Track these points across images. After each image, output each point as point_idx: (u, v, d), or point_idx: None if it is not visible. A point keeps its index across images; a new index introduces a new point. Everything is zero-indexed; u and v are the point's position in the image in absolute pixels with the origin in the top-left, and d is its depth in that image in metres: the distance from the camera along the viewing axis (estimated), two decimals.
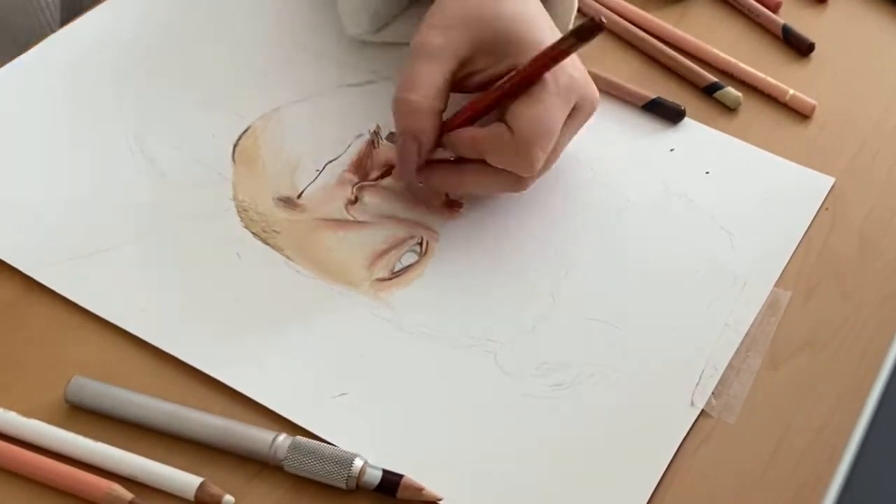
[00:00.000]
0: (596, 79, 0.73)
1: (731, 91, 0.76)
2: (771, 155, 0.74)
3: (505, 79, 0.64)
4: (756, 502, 0.58)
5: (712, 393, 0.61)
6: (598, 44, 0.79)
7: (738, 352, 0.63)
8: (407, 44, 0.67)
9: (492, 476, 0.58)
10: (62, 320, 0.62)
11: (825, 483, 0.57)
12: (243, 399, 0.59)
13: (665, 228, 0.69)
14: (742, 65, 0.78)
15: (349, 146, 0.71)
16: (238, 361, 0.61)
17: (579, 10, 0.75)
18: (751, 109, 0.76)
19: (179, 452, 0.57)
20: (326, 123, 0.73)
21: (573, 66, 0.65)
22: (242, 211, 0.67)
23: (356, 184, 0.70)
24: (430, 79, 0.64)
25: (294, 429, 0.58)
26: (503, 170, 0.64)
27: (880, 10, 0.84)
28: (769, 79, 0.77)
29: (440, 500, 0.56)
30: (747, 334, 0.64)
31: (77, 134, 0.70)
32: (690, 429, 0.60)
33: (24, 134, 0.70)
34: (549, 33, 0.65)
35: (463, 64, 0.65)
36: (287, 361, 0.61)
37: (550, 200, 0.70)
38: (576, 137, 0.72)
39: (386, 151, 0.71)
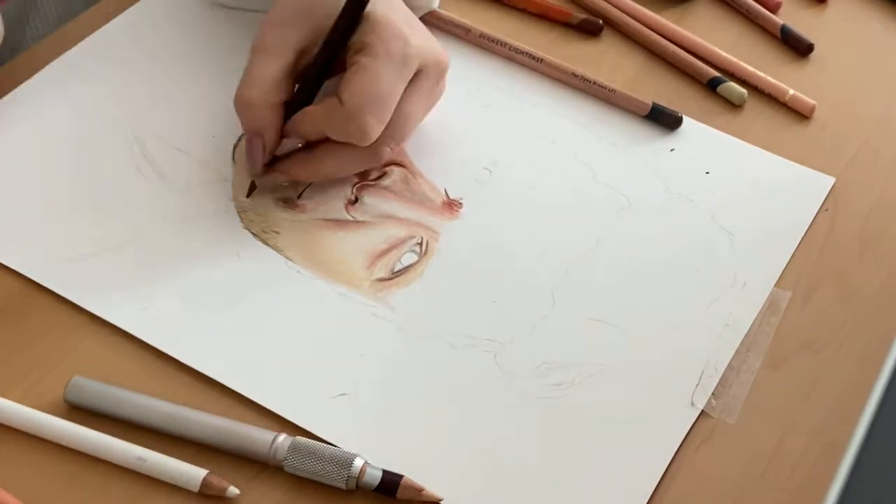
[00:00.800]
0: (595, 88, 0.73)
1: (735, 86, 0.76)
2: (771, 155, 0.74)
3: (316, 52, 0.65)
4: (756, 502, 0.58)
5: (712, 393, 0.61)
6: (600, 41, 0.80)
7: (738, 352, 0.63)
8: (262, 11, 0.68)
9: (492, 476, 0.58)
10: (62, 320, 0.62)
11: (825, 483, 0.57)
12: (243, 399, 0.59)
13: (665, 228, 0.69)
14: (743, 63, 0.78)
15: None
16: (238, 361, 0.61)
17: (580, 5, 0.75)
18: (751, 109, 0.76)
19: (179, 452, 0.57)
20: None
21: (413, 33, 0.66)
22: (242, 211, 0.67)
23: (356, 184, 0.70)
24: (265, 73, 0.65)
25: (294, 429, 0.58)
26: (349, 144, 0.64)
27: (880, 10, 0.84)
28: (769, 78, 0.77)
29: (440, 500, 0.56)
30: (747, 334, 0.64)
31: (77, 134, 0.70)
32: (690, 429, 0.60)
33: (25, 134, 0.70)
34: (382, 7, 0.65)
35: (302, 54, 0.66)
36: (287, 361, 0.61)
37: (550, 200, 0.70)
38: (576, 138, 0.73)
39: None
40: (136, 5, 0.78)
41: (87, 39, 0.75)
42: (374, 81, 0.63)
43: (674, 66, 0.79)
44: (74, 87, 0.73)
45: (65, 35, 0.76)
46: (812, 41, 0.80)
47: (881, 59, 0.81)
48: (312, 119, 0.65)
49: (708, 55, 0.79)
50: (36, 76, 0.73)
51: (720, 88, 0.77)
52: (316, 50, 0.66)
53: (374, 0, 0.64)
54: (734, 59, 0.78)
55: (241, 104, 0.65)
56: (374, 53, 0.64)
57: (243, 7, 0.77)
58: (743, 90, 0.76)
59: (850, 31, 0.83)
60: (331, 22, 0.65)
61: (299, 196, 0.69)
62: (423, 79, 0.66)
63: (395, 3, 0.67)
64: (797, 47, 0.80)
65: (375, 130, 0.63)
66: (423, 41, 0.66)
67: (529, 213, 0.69)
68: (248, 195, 0.68)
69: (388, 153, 0.66)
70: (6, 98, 0.71)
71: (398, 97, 0.64)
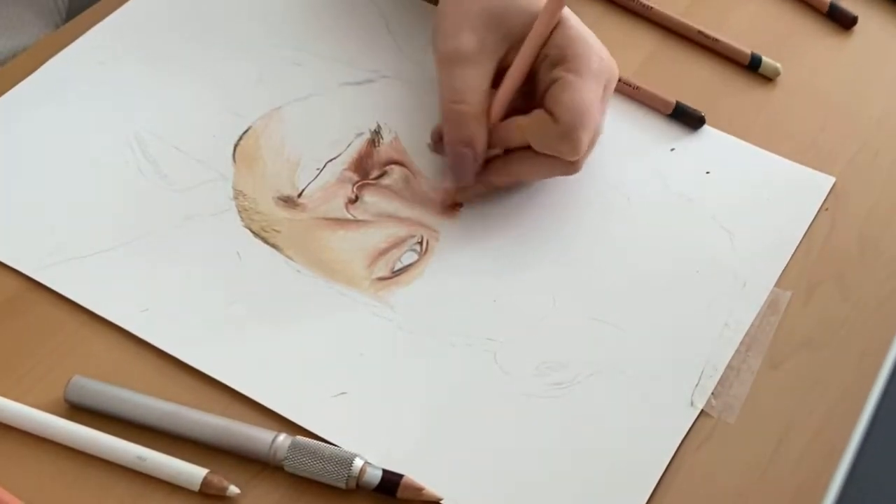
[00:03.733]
0: (619, 85, 0.74)
1: (770, 62, 0.78)
2: (771, 155, 0.74)
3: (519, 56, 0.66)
4: (756, 502, 0.58)
5: (712, 393, 0.61)
6: (611, 25, 0.80)
7: (738, 352, 0.63)
8: None
9: (492, 476, 0.58)
10: (62, 320, 0.62)
11: (825, 483, 0.57)
12: (243, 399, 0.59)
13: (665, 228, 0.69)
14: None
15: (349, 145, 0.72)
16: (238, 361, 0.61)
17: None
18: (751, 107, 0.76)
19: (179, 452, 0.57)
20: (327, 122, 0.73)
21: (600, 48, 0.67)
22: (243, 210, 0.68)
23: (356, 182, 0.70)
24: (473, 85, 0.66)
25: (294, 428, 0.58)
26: (551, 156, 0.65)
27: (880, 10, 0.84)
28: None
29: (440, 500, 0.56)
30: (747, 334, 0.64)
31: (78, 134, 0.70)
32: (690, 429, 0.60)
33: (25, 134, 0.70)
34: (569, 13, 0.67)
35: (500, 62, 0.67)
36: (287, 361, 0.61)
37: (550, 200, 0.70)
38: None
39: (386, 150, 0.71)
40: (134, 2, 0.78)
41: (86, 36, 0.75)
42: (584, 99, 0.64)
43: (693, 46, 0.80)
44: (74, 86, 0.73)
45: (62, 34, 0.76)
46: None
47: (881, 58, 0.81)
48: (520, 130, 0.66)
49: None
50: (35, 74, 0.73)
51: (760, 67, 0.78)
52: (512, 57, 0.66)
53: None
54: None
55: (453, 118, 0.66)
56: (577, 69, 0.64)
57: None
58: (777, 63, 0.78)
59: (850, 31, 0.83)
60: (521, 25, 0.66)
61: (300, 195, 0.69)
62: (608, 91, 0.68)
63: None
64: (842, 20, 0.82)
65: (585, 146, 0.65)
66: (605, 53, 0.68)
67: (529, 212, 0.69)
68: (453, 208, 0.68)
69: (581, 166, 0.67)
70: (5, 97, 0.71)
71: (598, 112, 0.66)
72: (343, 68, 0.76)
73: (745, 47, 0.79)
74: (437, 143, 0.69)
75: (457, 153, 0.66)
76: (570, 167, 0.67)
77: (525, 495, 0.57)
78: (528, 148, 0.66)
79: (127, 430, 0.57)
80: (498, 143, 0.67)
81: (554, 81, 0.65)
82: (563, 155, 0.65)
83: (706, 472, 0.58)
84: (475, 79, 0.66)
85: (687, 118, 0.74)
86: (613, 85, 0.68)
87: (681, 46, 0.80)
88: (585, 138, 0.64)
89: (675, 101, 0.74)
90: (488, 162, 0.68)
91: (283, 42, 0.77)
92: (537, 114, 0.65)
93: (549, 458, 0.58)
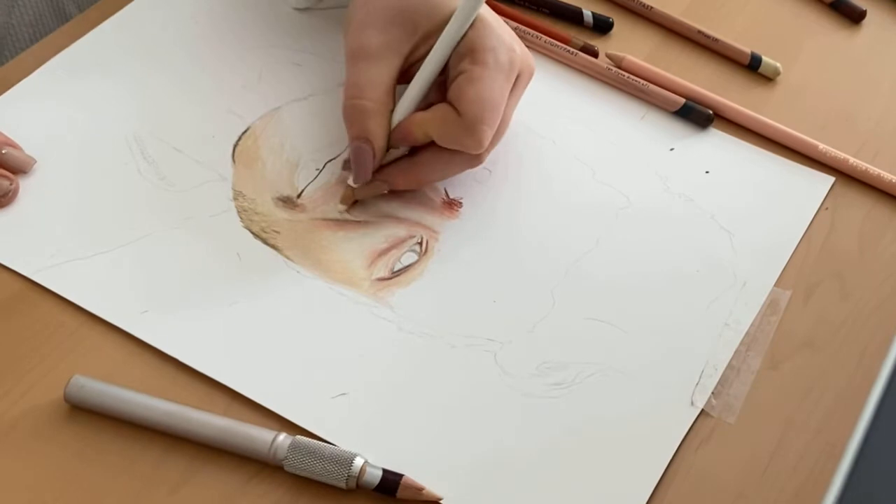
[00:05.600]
0: (628, 85, 0.74)
1: (770, 61, 0.78)
2: (771, 155, 0.74)
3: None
4: (756, 502, 0.58)
5: (712, 393, 0.61)
6: (616, 21, 0.81)
7: (738, 352, 0.63)
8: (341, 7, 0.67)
9: (492, 476, 0.58)
10: (62, 320, 0.62)
11: (825, 483, 0.57)
12: (243, 399, 0.59)
13: (665, 228, 0.69)
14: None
15: (349, 145, 0.71)
16: (238, 361, 0.61)
17: None
18: (750, 106, 0.76)
19: (179, 452, 0.57)
20: (326, 123, 0.73)
21: (512, 39, 0.66)
22: (242, 211, 0.67)
23: None
24: (375, 81, 0.65)
25: (294, 428, 0.58)
26: (456, 151, 0.65)
27: (881, 10, 0.84)
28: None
29: (440, 499, 0.56)
30: (747, 334, 0.64)
31: (77, 134, 0.70)
32: (690, 429, 0.60)
33: (25, 135, 0.70)
34: (485, 9, 0.66)
35: (406, 58, 0.66)
36: (287, 361, 0.61)
37: (550, 200, 0.70)
38: (576, 138, 0.73)
39: None
40: (133, 3, 0.78)
41: (85, 38, 0.75)
42: (489, 91, 0.63)
43: (694, 47, 0.80)
44: (74, 86, 0.73)
45: (59, 37, 0.76)
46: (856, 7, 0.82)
47: (881, 59, 0.81)
48: (423, 126, 0.65)
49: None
50: (34, 75, 0.73)
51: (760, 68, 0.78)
52: (420, 53, 0.66)
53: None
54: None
55: (354, 112, 0.65)
56: (483, 62, 0.63)
57: (330, 6, 0.77)
58: (777, 63, 0.78)
59: (850, 30, 0.83)
60: (430, 23, 0.65)
61: (299, 196, 0.69)
62: (520, 85, 0.67)
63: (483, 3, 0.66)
64: (851, 15, 0.82)
65: (489, 140, 0.64)
66: (519, 46, 0.67)
67: (529, 212, 0.69)
68: (349, 205, 0.68)
69: (485, 158, 0.67)
70: (5, 96, 0.71)
71: (504, 105, 0.65)
72: (342, 69, 0.76)
73: (746, 46, 0.79)
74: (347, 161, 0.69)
75: (355, 148, 0.65)
76: (474, 161, 0.66)
77: (525, 495, 0.57)
78: (431, 146, 0.65)
79: (126, 430, 0.57)
80: (401, 139, 0.66)
81: (460, 74, 0.64)
82: (466, 149, 0.64)
83: (706, 472, 0.58)
84: (377, 75, 0.65)
85: (695, 117, 0.74)
86: (527, 80, 0.67)
87: (681, 46, 0.80)
88: (489, 132, 0.63)
89: (683, 100, 0.75)
90: (395, 162, 0.67)
91: (283, 42, 0.77)
92: (440, 107, 0.64)
93: (549, 458, 0.58)
